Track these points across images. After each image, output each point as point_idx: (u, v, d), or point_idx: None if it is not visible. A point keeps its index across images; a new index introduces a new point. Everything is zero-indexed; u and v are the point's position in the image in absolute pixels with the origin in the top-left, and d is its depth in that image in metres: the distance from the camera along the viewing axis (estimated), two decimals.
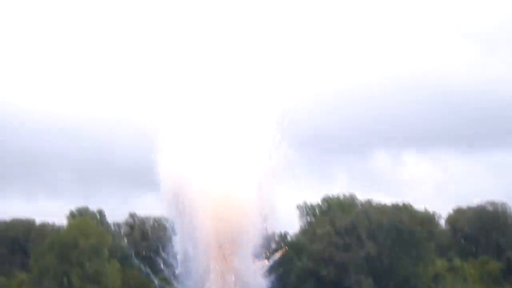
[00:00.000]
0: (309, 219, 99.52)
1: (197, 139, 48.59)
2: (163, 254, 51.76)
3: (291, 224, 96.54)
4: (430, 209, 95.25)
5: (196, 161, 48.23)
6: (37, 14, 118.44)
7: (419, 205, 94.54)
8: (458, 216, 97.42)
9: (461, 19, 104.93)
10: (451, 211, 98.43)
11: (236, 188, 48.03)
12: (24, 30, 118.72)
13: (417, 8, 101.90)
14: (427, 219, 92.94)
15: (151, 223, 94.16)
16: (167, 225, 52.66)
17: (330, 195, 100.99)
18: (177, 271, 50.94)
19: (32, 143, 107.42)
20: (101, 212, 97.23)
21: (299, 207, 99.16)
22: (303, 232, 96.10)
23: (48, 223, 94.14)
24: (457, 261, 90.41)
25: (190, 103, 49.03)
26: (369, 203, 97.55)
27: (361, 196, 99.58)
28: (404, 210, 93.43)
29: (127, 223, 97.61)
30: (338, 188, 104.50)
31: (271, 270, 52.84)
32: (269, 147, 50.62)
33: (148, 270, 62.79)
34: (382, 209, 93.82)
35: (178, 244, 50.61)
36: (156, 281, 59.34)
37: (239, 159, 48.28)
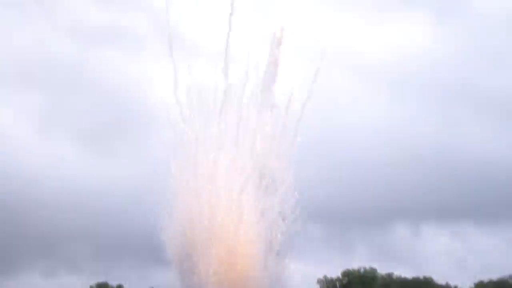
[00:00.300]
0: None
1: (202, 212, 46.23)
2: None
3: None
4: (451, 283, 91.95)
5: (201, 235, 45.87)
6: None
7: (440, 279, 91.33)
8: None
9: (474, 91, 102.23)
10: (472, 285, 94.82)
11: (242, 260, 45.47)
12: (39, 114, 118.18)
13: (430, 81, 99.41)
14: None
15: None
16: None
17: (351, 269, 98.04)
18: None
19: (51, 220, 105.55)
20: None
21: (319, 281, 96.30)
22: None
23: None
24: None
25: (194, 174, 46.75)
26: (389, 277, 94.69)
27: (382, 269, 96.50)
28: (425, 284, 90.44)
29: None
30: (358, 262, 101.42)
31: None
32: (283, 220, 48.06)
33: None
34: (403, 283, 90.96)
35: None
36: None
37: (247, 229, 45.78)
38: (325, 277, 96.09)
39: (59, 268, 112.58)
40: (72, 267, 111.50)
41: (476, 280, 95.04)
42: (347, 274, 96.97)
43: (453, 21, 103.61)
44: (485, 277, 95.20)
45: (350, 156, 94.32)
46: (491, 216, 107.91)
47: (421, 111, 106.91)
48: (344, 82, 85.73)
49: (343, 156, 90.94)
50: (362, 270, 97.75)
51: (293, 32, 47.43)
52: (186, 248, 47.39)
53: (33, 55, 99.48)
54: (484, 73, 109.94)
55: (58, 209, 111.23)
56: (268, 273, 46.13)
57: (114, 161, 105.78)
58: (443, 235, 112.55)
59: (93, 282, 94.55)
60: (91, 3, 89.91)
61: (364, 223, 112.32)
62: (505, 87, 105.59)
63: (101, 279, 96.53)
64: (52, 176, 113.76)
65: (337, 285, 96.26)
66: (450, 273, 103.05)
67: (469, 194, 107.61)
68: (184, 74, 46.62)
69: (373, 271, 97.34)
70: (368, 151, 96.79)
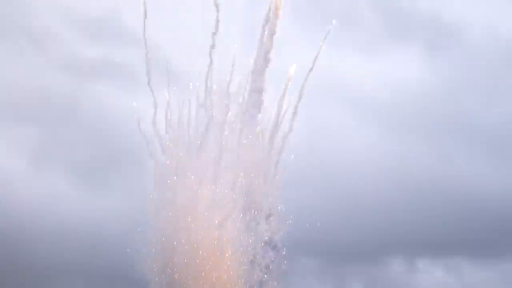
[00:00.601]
0: None
1: (182, 249, 43.43)
2: None
3: None
4: None
5: (181, 273, 43.03)
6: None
7: None
8: None
9: (468, 125, 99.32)
10: None
11: None
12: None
13: (423, 114, 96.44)
14: None
15: None
16: None
17: None
18: None
19: (44, 253, 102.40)
20: None
21: None
22: None
23: None
24: None
25: (174, 209, 44.06)
26: None
27: None
28: None
29: None
30: None
31: None
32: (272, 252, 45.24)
33: None
34: None
35: None
36: None
37: (228, 267, 42.91)
38: None
39: None
40: None
41: None
42: None
43: (446, 54, 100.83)
44: None
45: (342, 190, 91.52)
46: (485, 250, 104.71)
47: (414, 146, 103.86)
48: (336, 114, 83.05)
49: (336, 190, 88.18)
50: None
51: (279, 62, 45.08)
52: (168, 286, 44.62)
53: (25, 89, 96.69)
54: (477, 107, 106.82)
55: (52, 242, 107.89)
56: None
57: (108, 194, 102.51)
58: (437, 269, 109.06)
59: None
60: (83, 37, 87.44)
61: (358, 257, 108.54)
62: (499, 121, 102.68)
63: None
64: (46, 209, 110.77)
65: None
66: None
67: (462, 228, 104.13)
68: (164, 106, 44.49)
69: None
70: (361, 185, 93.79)
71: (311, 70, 44.25)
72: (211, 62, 44.10)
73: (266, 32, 44.10)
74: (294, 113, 44.16)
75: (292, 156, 45.60)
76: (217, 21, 44.34)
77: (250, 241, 44.27)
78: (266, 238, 45.59)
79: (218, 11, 44.49)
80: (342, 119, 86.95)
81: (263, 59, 44.25)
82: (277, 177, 46.38)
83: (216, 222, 43.11)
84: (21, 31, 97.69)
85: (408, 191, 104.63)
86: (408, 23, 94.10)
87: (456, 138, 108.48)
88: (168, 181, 44.41)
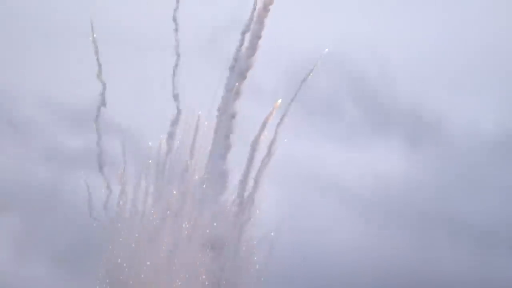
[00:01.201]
0: None
1: None
2: None
3: None
4: None
5: None
6: None
7: None
8: None
9: (450, 217, 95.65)
10: None
11: None
12: None
13: (405, 206, 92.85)
14: None
15: None
16: None
17: None
18: None
19: None
20: None
21: None
22: None
23: None
24: None
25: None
26: None
27: None
28: None
29: None
30: None
31: None
32: None
33: None
34: None
35: None
36: None
37: None
38: None
39: None
40: None
41: None
42: None
43: (427, 148, 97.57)
44: None
45: (322, 278, 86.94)
46: None
47: (396, 239, 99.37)
48: (319, 205, 79.39)
49: (314, 278, 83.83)
50: None
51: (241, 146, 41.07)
52: None
53: (7, 178, 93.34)
54: (461, 202, 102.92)
55: None
56: None
57: (88, 283, 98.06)
58: None
59: None
60: (65, 127, 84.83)
61: None
62: (480, 212, 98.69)
63: None
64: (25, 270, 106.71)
65: None
66: None
67: None
68: (116, 193, 40.75)
69: None
70: (341, 274, 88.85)
71: (268, 155, 40.47)
72: (169, 151, 41.01)
73: (224, 113, 40.21)
74: (251, 202, 39.57)
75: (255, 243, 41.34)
76: (178, 110, 41.83)
77: None
78: None
79: (178, 101, 42.16)
80: (321, 209, 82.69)
81: (224, 143, 40.14)
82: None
83: None
84: (3, 121, 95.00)
85: (388, 282, 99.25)
86: (389, 116, 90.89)
87: (438, 230, 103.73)
88: (120, 277, 39.91)
